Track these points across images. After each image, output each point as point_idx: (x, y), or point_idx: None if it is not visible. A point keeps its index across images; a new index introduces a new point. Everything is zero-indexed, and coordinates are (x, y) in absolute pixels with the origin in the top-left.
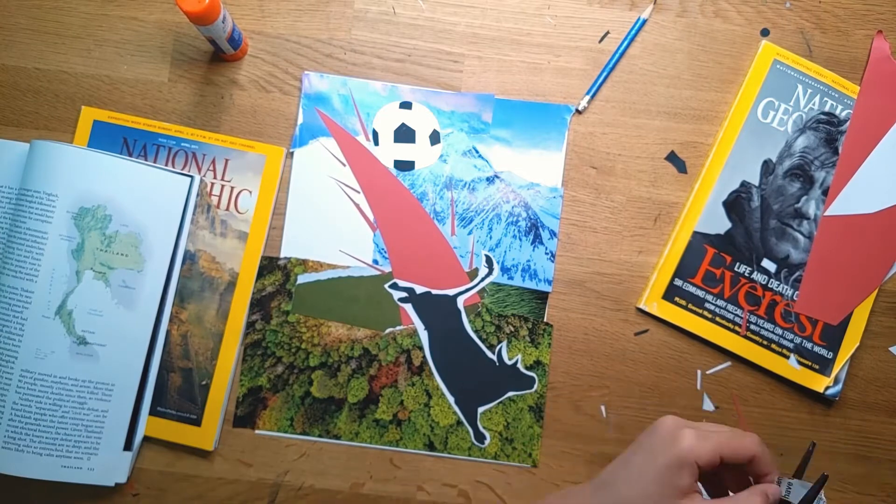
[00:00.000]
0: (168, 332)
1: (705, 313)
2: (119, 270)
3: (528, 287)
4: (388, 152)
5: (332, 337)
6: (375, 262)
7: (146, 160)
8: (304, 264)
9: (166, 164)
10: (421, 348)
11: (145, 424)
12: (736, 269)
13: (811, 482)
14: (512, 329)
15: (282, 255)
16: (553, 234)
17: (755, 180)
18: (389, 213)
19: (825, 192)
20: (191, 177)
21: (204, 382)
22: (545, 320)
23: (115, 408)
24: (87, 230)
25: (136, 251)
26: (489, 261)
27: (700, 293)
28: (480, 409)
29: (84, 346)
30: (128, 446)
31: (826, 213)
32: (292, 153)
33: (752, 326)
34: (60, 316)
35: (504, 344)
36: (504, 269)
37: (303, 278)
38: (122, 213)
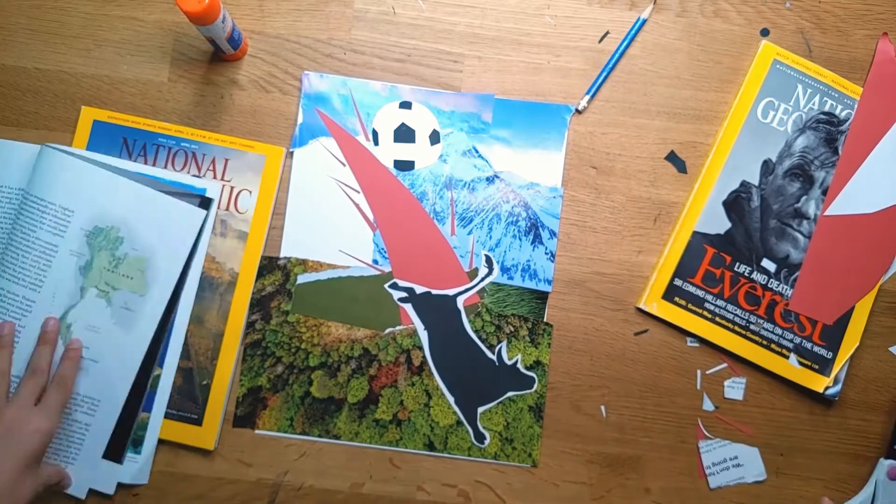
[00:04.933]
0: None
1: (705, 313)
2: (122, 292)
3: (528, 287)
4: (388, 152)
5: (332, 337)
6: (375, 262)
7: (146, 160)
8: (304, 264)
9: (166, 165)
10: (421, 348)
11: (159, 429)
12: (736, 269)
13: None
14: (512, 329)
15: (282, 255)
16: (553, 233)
17: (755, 180)
18: (389, 212)
19: (825, 192)
20: (206, 211)
21: (204, 382)
22: (545, 320)
23: (97, 422)
24: (98, 249)
25: (142, 276)
26: (489, 261)
27: (700, 293)
28: (480, 409)
29: None
30: (111, 455)
31: (825, 213)
32: (292, 153)
33: (752, 326)
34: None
35: (504, 344)
36: (504, 269)
37: (303, 278)
38: (135, 237)
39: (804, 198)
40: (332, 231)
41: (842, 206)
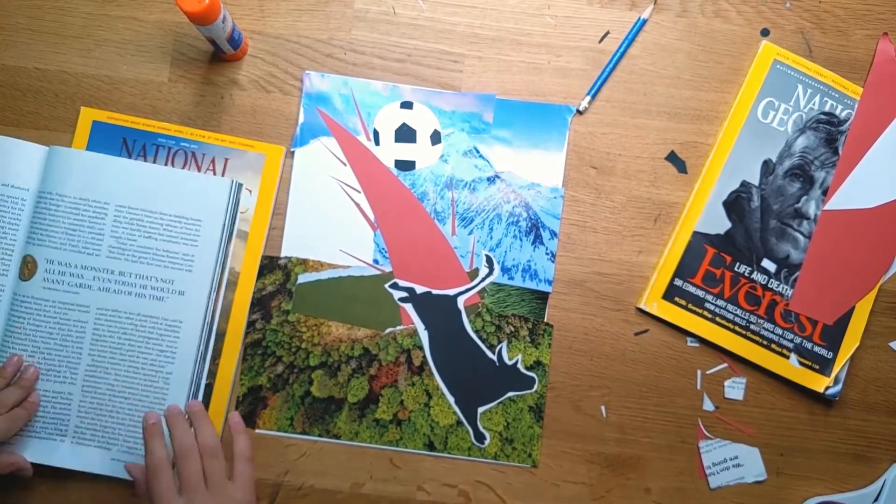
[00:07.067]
0: None
1: (705, 313)
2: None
3: (529, 287)
4: (389, 152)
5: (332, 336)
6: (376, 261)
7: (145, 160)
8: (304, 264)
9: (166, 165)
10: (421, 348)
11: None
12: (736, 269)
13: None
14: (512, 329)
15: (282, 255)
16: (553, 234)
17: (755, 180)
18: (390, 212)
19: (825, 192)
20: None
21: (207, 382)
22: (545, 320)
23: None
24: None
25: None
26: (489, 261)
27: (700, 293)
28: (480, 409)
29: None
30: None
31: (825, 208)
32: (293, 152)
33: (752, 326)
34: None
35: (504, 344)
36: (504, 269)
37: (303, 278)
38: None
39: (804, 198)
40: (332, 231)
41: (841, 201)
